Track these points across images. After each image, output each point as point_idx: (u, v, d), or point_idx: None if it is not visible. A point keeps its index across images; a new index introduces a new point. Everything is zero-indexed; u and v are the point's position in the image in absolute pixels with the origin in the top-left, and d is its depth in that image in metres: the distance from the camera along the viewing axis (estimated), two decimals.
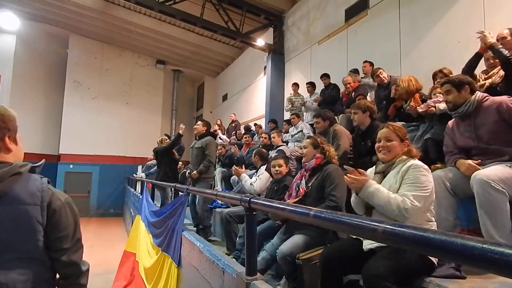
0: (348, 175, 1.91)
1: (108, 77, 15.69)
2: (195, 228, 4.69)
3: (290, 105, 7.40)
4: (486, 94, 2.34)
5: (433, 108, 3.22)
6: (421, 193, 1.75)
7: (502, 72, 3.09)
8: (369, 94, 5.60)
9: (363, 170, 1.97)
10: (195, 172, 4.82)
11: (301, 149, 3.24)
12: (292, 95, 7.62)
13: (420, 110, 3.36)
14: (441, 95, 3.06)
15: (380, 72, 4.71)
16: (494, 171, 1.98)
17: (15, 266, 1.12)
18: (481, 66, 3.47)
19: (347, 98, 5.81)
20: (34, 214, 1.14)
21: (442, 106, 3.15)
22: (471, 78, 3.20)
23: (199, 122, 5.12)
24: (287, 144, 6.37)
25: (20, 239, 1.13)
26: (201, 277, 2.72)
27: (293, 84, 7.79)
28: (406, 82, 3.70)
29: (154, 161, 8.52)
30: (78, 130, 14.67)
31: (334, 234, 2.55)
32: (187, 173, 5.28)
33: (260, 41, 10.27)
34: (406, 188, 1.79)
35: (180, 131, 5.88)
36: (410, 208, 1.69)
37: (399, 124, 2.19)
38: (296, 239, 2.50)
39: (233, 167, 4.42)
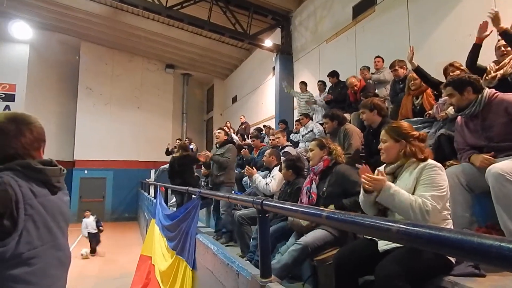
0: (367, 175, 1.79)
1: (119, 83, 15.94)
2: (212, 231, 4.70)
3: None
4: (494, 91, 2.25)
5: (444, 114, 3.19)
6: (438, 193, 1.70)
7: None
8: (379, 90, 5.54)
9: (382, 170, 1.91)
10: (208, 154, 4.93)
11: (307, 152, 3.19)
12: (299, 93, 7.62)
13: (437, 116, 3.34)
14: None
15: (400, 66, 4.56)
16: (509, 164, 1.92)
17: None
18: (492, 56, 3.37)
19: (354, 99, 5.69)
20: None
21: (453, 110, 3.10)
22: (481, 69, 3.14)
23: (220, 131, 5.04)
24: (298, 145, 6.35)
25: None
26: (216, 279, 2.73)
27: (300, 82, 7.74)
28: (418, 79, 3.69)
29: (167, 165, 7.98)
30: (91, 136, 14.92)
31: (354, 233, 2.48)
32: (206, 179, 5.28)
33: (268, 42, 10.27)
34: (422, 189, 1.73)
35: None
36: (431, 210, 1.64)
37: (402, 122, 2.10)
38: (318, 233, 2.44)
39: (245, 168, 4.41)
